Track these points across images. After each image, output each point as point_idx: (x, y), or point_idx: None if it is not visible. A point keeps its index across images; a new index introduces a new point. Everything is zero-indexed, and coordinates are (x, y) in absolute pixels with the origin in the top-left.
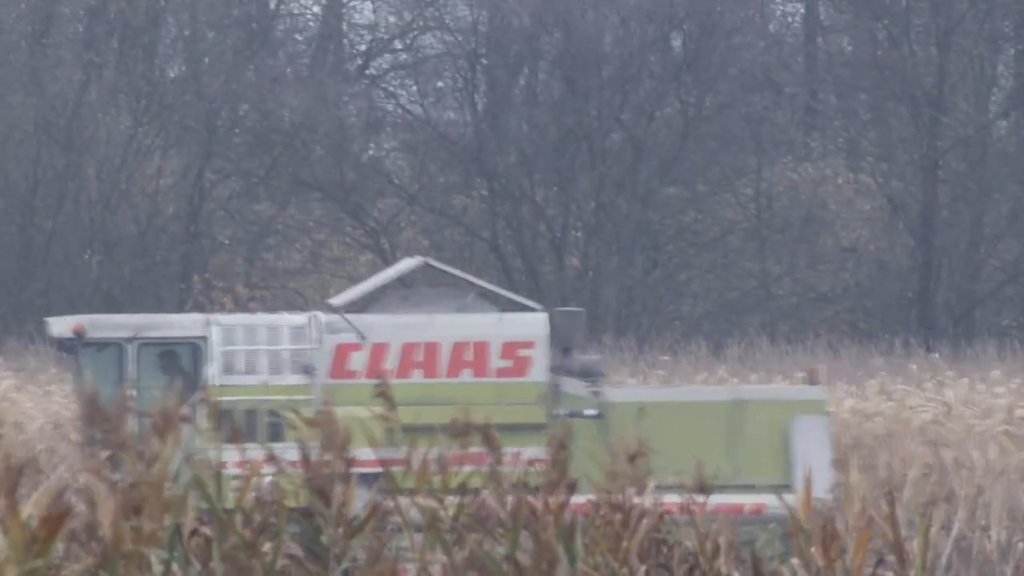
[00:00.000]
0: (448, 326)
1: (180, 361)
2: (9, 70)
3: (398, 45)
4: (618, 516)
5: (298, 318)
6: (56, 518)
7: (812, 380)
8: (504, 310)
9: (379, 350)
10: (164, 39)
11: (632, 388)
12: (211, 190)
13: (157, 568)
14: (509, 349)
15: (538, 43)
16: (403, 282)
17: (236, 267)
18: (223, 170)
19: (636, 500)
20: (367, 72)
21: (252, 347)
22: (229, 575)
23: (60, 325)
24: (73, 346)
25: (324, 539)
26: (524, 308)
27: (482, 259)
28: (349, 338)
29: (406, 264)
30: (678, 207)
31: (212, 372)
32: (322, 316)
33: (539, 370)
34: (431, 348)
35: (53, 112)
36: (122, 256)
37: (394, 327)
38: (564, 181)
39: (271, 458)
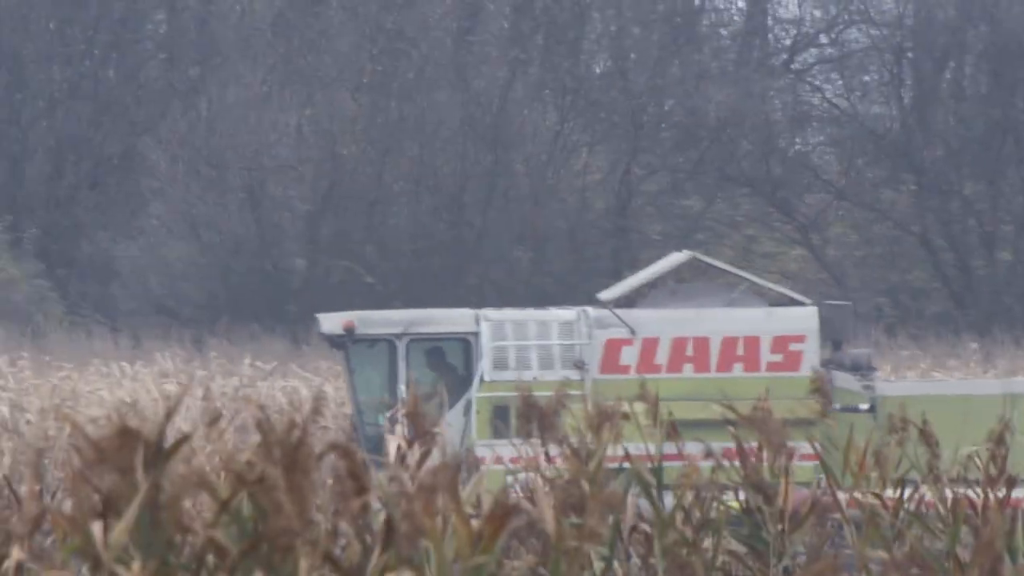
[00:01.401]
0: (718, 321)
1: (450, 357)
2: (435, 67)
3: (823, 39)
4: None
5: (567, 313)
6: (502, 515)
7: None
8: (773, 304)
9: (650, 345)
10: (589, 35)
11: (904, 381)
12: (639, 185)
13: (598, 564)
14: (780, 343)
15: (964, 36)
16: (672, 277)
17: None
18: (650, 165)
19: None
20: (792, 67)
21: (522, 342)
22: (670, 571)
23: (331, 322)
24: (343, 343)
25: (764, 535)
26: (793, 302)
27: (912, 254)
28: (619, 333)
29: (674, 258)
30: None
31: (483, 368)
32: (591, 311)
33: (810, 364)
34: (701, 343)
35: (479, 109)
36: (552, 252)
37: (664, 322)
38: (992, 175)
39: (708, 454)
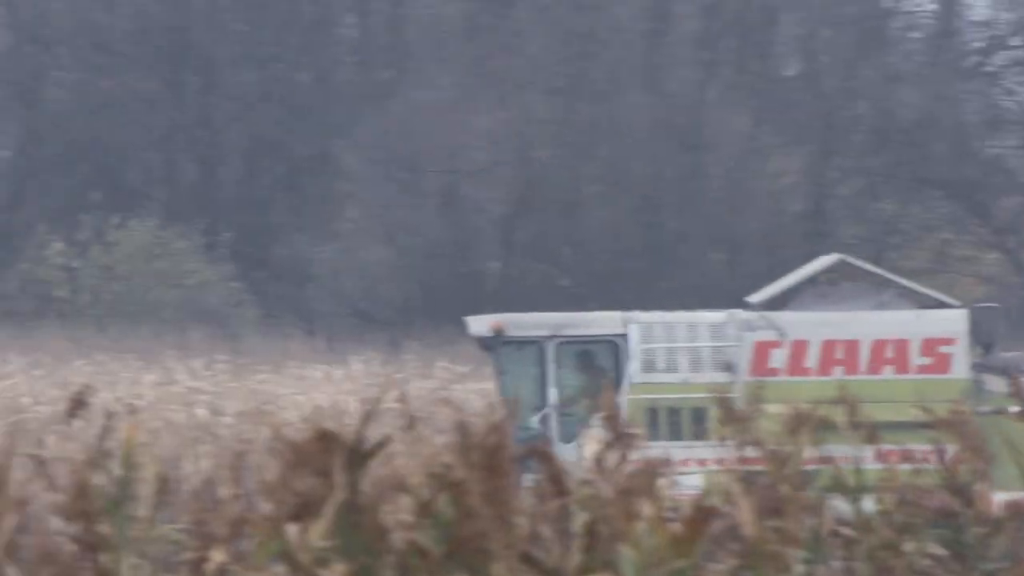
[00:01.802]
0: (868, 323)
1: (599, 359)
2: (626, 69)
3: (1016, 41)
4: None
5: (717, 315)
6: (701, 519)
7: None
8: (922, 307)
9: (799, 347)
10: (780, 37)
11: None
12: (833, 188)
13: (798, 568)
14: (929, 346)
15: None
16: (821, 279)
17: None
18: (844, 168)
19: None
20: (985, 69)
21: (671, 344)
22: (873, 575)
23: (479, 324)
24: (492, 344)
25: (966, 539)
26: (942, 305)
27: None
28: (768, 335)
29: (824, 261)
30: None
31: (632, 370)
32: (741, 313)
33: (961, 366)
34: (851, 346)
35: (672, 111)
36: (747, 255)
37: (814, 324)
38: None
39: (908, 456)
